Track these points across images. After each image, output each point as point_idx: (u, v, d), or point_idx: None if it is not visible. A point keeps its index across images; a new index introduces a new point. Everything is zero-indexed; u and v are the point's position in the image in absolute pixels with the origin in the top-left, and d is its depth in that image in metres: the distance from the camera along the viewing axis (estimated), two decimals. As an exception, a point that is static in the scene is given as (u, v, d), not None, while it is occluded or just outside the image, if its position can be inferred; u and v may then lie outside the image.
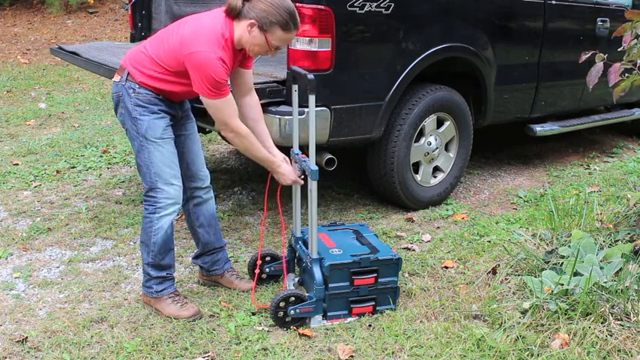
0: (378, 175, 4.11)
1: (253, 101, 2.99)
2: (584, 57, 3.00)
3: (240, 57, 2.82)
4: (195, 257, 3.22)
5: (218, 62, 2.60)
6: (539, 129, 4.93)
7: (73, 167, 5.04)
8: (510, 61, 4.51)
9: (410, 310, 2.96)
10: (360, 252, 2.95)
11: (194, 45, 2.62)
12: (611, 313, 2.65)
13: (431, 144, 4.20)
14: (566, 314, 2.68)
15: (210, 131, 4.65)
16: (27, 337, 2.75)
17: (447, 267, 3.44)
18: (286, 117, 3.44)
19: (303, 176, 2.98)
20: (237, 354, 2.66)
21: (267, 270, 3.22)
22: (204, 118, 3.12)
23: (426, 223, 4.10)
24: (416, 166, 4.19)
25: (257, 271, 3.10)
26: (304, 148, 3.03)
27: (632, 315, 2.64)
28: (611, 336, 2.57)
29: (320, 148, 3.60)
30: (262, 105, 3.45)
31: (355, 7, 3.53)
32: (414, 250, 3.66)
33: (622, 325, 2.61)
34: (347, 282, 2.88)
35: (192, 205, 3.11)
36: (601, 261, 2.98)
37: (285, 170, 2.93)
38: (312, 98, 2.77)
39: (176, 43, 2.69)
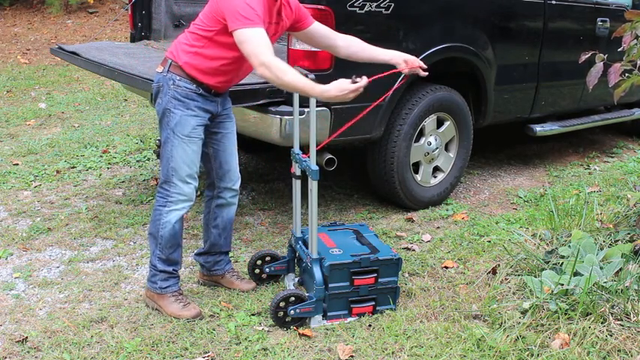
0: (378, 175, 4.11)
1: (345, 41, 2.98)
2: (584, 57, 3.00)
3: (274, 11, 2.77)
4: (198, 255, 3.23)
5: None
6: (539, 129, 4.93)
7: (73, 167, 5.04)
8: (510, 61, 4.51)
9: (410, 310, 2.96)
10: (360, 252, 2.95)
11: None
12: (611, 313, 2.65)
13: (431, 144, 4.20)
14: (566, 314, 2.68)
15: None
16: (27, 337, 2.75)
17: (447, 267, 3.44)
18: (286, 117, 3.44)
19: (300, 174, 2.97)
20: (237, 354, 2.66)
21: (267, 270, 3.22)
22: None
23: (426, 223, 4.10)
24: (416, 166, 4.19)
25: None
26: (304, 148, 3.03)
27: (632, 315, 2.64)
28: (611, 336, 2.57)
29: (320, 148, 3.60)
30: (262, 105, 3.47)
31: (355, 7, 3.53)
32: (414, 250, 3.66)
33: (622, 325, 2.61)
34: (347, 282, 2.88)
35: (215, 205, 3.11)
36: (601, 261, 2.98)
37: (333, 87, 2.56)
38: (312, 98, 2.77)
39: (210, 2, 2.74)
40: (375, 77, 2.75)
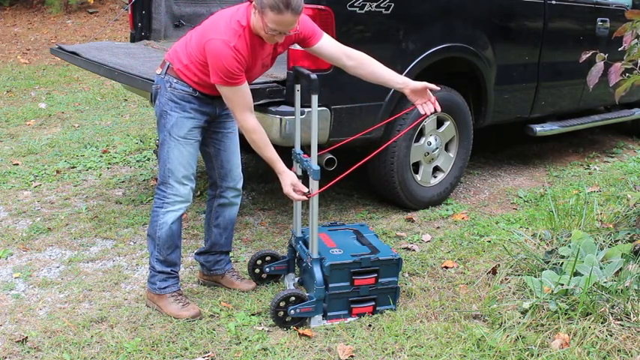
0: (378, 175, 4.11)
1: (354, 62, 2.87)
2: (584, 57, 3.00)
3: (268, 46, 2.76)
4: (199, 254, 3.23)
5: (231, 51, 2.58)
6: (539, 129, 4.92)
7: (73, 167, 5.04)
8: (510, 61, 4.51)
9: (410, 310, 2.96)
10: (361, 252, 2.95)
11: (212, 32, 2.63)
12: (611, 313, 2.65)
13: (431, 144, 4.20)
14: (566, 314, 2.68)
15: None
16: (27, 337, 2.75)
17: (447, 267, 3.44)
18: (286, 117, 3.44)
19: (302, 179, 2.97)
20: (237, 354, 2.66)
21: (267, 270, 3.22)
22: None
23: (426, 223, 4.10)
24: (416, 166, 4.19)
25: None
26: (304, 148, 3.03)
27: (632, 315, 2.64)
28: (611, 336, 2.57)
29: (320, 148, 3.60)
30: (262, 105, 3.47)
31: (355, 7, 3.53)
32: (414, 250, 3.66)
33: (622, 325, 2.61)
34: (347, 282, 2.88)
35: (217, 204, 3.11)
36: (601, 261, 2.98)
37: (287, 178, 2.79)
38: (314, 98, 2.76)
39: (200, 31, 2.73)
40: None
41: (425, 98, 2.90)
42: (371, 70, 2.89)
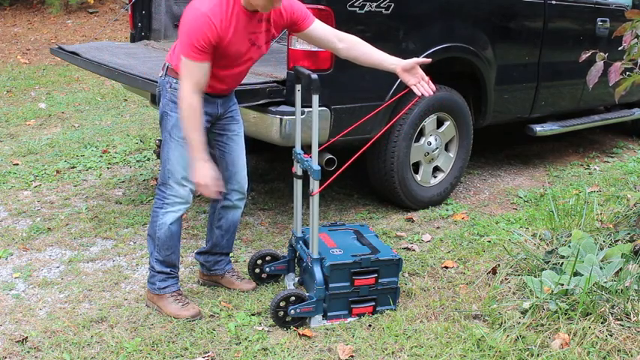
0: (378, 175, 4.11)
1: (346, 44, 2.88)
2: (584, 56, 3.01)
3: (259, 24, 2.73)
4: (199, 253, 3.23)
5: (203, 19, 2.55)
6: (539, 129, 4.93)
7: (73, 167, 5.04)
8: (510, 61, 4.51)
9: (410, 310, 2.96)
10: (361, 252, 2.95)
11: (195, 3, 2.62)
12: (611, 313, 2.65)
13: (431, 144, 4.20)
14: (566, 314, 2.68)
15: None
16: (27, 337, 2.75)
17: (447, 267, 3.44)
18: (286, 117, 3.44)
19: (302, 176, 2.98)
20: (237, 354, 2.66)
21: (267, 269, 3.22)
22: None
23: (426, 223, 4.10)
24: (416, 166, 4.19)
25: None
26: (304, 148, 3.03)
27: (632, 315, 2.64)
28: (611, 336, 2.57)
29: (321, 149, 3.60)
30: (262, 105, 3.47)
31: (355, 7, 3.53)
32: (414, 250, 3.66)
33: (622, 325, 2.61)
34: (347, 282, 2.88)
35: (220, 206, 3.10)
36: (601, 261, 2.98)
37: (201, 168, 2.66)
38: (315, 98, 2.76)
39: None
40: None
41: (418, 77, 2.89)
42: (363, 52, 2.90)
